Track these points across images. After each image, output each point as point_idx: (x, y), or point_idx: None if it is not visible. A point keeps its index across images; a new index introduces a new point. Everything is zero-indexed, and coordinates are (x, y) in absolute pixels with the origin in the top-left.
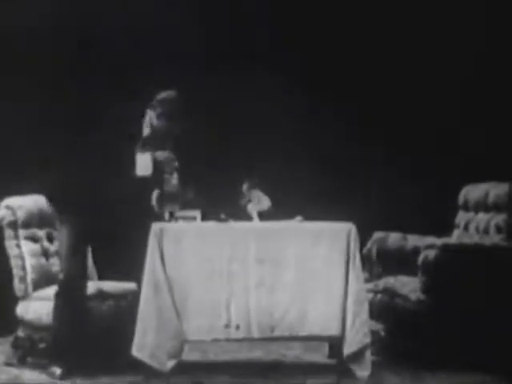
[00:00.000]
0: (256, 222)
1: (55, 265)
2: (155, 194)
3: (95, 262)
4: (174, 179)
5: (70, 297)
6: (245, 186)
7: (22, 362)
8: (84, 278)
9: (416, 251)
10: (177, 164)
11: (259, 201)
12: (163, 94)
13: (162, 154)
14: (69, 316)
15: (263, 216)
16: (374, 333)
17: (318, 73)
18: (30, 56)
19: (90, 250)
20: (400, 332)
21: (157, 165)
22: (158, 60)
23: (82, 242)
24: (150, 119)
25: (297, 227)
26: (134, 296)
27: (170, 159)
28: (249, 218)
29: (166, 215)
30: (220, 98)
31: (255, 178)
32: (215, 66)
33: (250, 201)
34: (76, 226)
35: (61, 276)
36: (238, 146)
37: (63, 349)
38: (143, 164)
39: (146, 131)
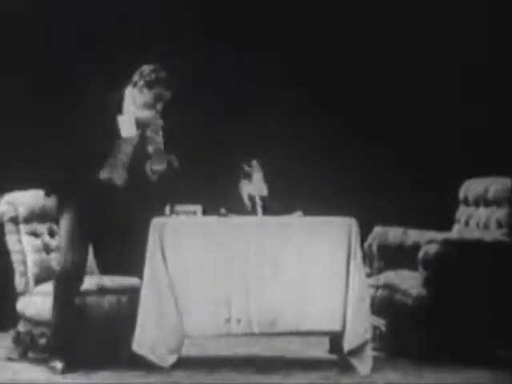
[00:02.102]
0: (257, 217)
1: (56, 260)
2: (148, 163)
3: (97, 257)
4: (159, 137)
5: (65, 289)
6: (246, 165)
7: (23, 357)
8: (80, 271)
9: (417, 246)
10: (161, 122)
11: (258, 186)
12: (143, 67)
13: (144, 114)
14: (65, 309)
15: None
16: (374, 328)
17: (319, 67)
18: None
19: (90, 245)
20: (401, 327)
21: (140, 125)
22: (158, 48)
23: (82, 233)
24: (133, 97)
25: (297, 222)
26: (135, 291)
27: (153, 118)
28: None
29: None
30: (220, 89)
31: (261, 161)
32: (216, 50)
33: (248, 175)
34: (75, 217)
35: (57, 268)
36: (237, 140)
37: (64, 343)
38: (126, 125)
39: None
